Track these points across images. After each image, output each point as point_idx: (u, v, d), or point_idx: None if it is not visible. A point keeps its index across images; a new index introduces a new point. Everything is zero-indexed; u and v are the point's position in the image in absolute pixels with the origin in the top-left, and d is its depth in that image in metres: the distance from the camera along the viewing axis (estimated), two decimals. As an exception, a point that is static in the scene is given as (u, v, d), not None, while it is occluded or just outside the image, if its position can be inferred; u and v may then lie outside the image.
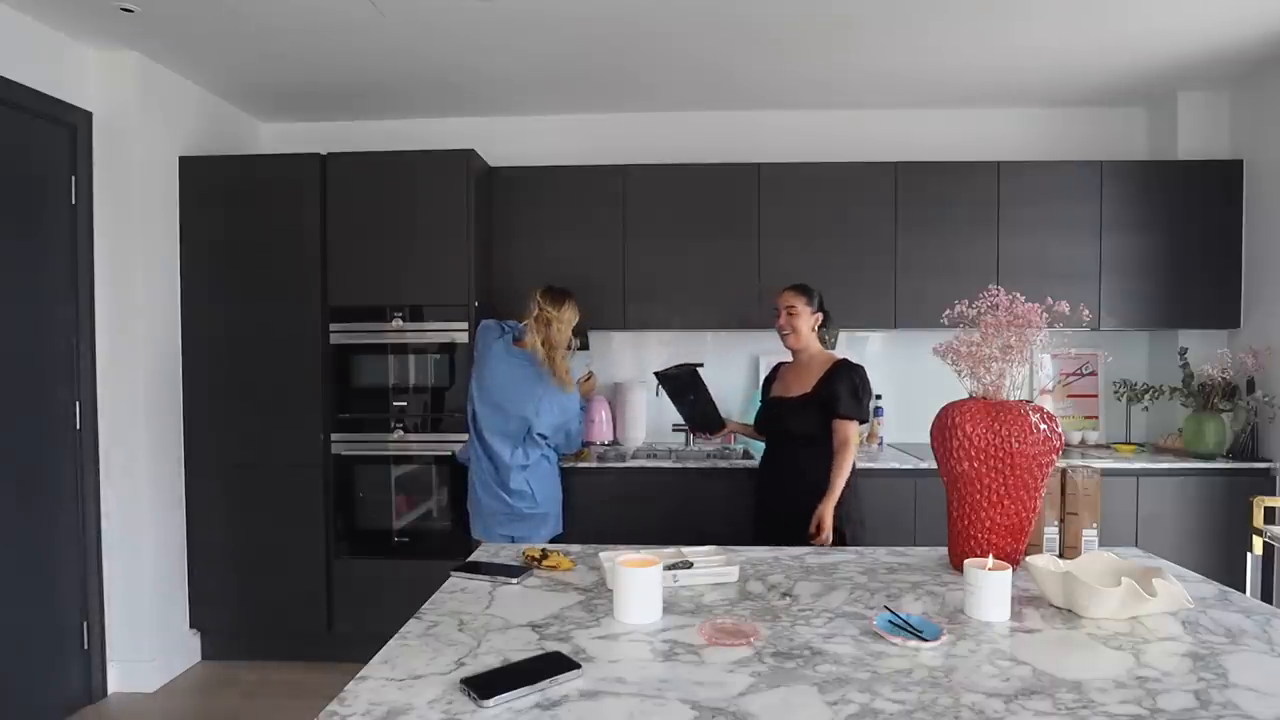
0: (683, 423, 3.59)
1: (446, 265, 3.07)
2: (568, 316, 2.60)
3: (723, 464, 3.06)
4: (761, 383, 2.72)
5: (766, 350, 3.58)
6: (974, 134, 3.60)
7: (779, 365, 2.64)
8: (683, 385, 2.67)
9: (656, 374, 2.71)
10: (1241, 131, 3.30)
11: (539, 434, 2.59)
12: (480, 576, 1.52)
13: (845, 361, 2.42)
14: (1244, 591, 2.31)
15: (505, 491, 2.60)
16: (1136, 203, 3.26)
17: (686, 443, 3.58)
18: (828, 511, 2.26)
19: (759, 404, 2.64)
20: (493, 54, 2.95)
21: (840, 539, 2.30)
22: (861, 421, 2.36)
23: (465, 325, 3.06)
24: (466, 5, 2.53)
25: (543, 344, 2.54)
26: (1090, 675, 1.06)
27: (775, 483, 2.45)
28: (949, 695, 1.00)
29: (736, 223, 3.31)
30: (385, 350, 3.13)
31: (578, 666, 1.06)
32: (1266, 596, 2.77)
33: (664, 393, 2.75)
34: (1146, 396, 3.40)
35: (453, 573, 1.55)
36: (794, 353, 2.52)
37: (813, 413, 2.36)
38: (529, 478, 2.60)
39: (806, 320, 2.45)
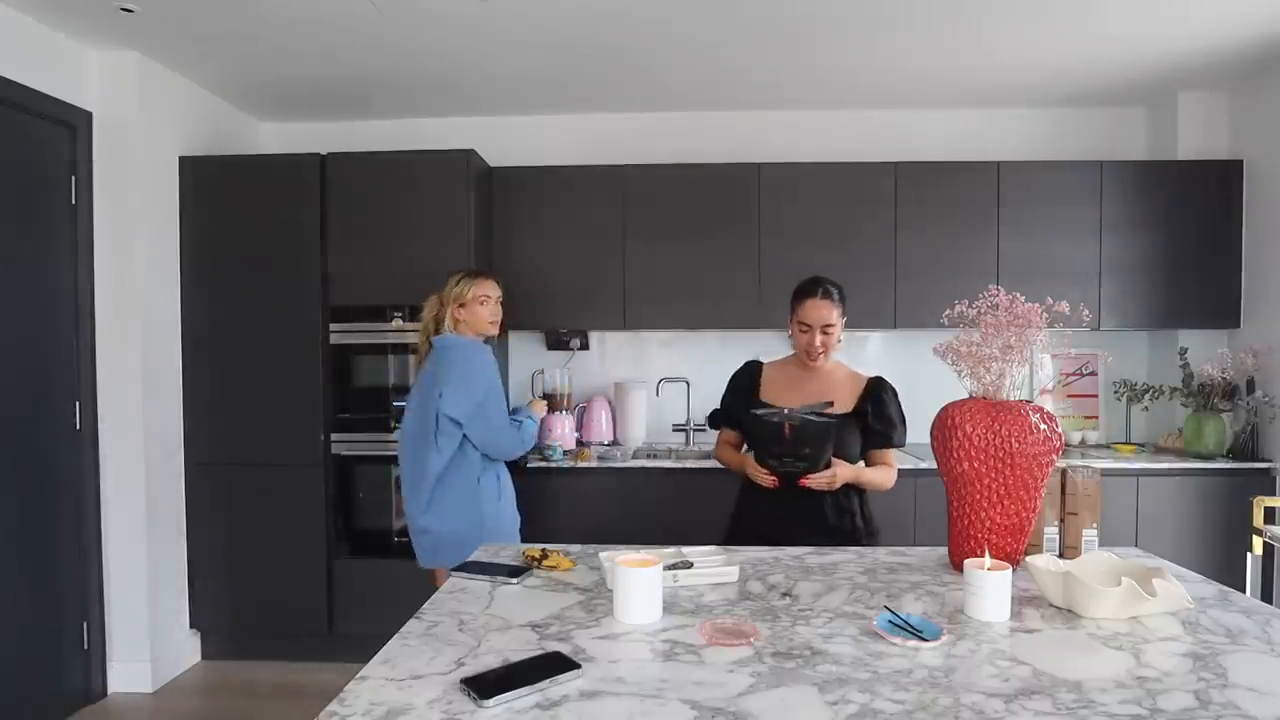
0: (683, 424, 3.63)
1: (446, 265, 3.04)
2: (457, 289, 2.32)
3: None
4: (734, 383, 2.19)
5: (767, 351, 3.53)
6: (974, 134, 3.60)
7: (759, 364, 2.16)
8: (814, 433, 1.90)
9: (775, 418, 1.92)
10: (1241, 132, 3.30)
11: (450, 417, 2.19)
12: (480, 576, 1.52)
13: (883, 380, 2.05)
14: (1244, 591, 2.31)
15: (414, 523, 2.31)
16: (1136, 203, 3.26)
17: (687, 442, 3.58)
18: (848, 475, 1.92)
19: (723, 409, 2.19)
20: (492, 53, 2.95)
21: (857, 538, 2.00)
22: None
23: (465, 325, 3.06)
24: (466, 4, 2.53)
25: (434, 319, 2.36)
26: (1090, 675, 1.06)
27: (816, 520, 1.96)
28: (949, 695, 1.00)
29: (736, 223, 3.31)
30: (385, 350, 3.13)
31: (578, 666, 1.06)
32: (1266, 596, 2.77)
33: (759, 436, 1.98)
34: (1146, 396, 3.40)
35: (453, 573, 1.55)
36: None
37: (857, 435, 2.00)
38: (438, 492, 2.24)
39: (839, 333, 2.01)
